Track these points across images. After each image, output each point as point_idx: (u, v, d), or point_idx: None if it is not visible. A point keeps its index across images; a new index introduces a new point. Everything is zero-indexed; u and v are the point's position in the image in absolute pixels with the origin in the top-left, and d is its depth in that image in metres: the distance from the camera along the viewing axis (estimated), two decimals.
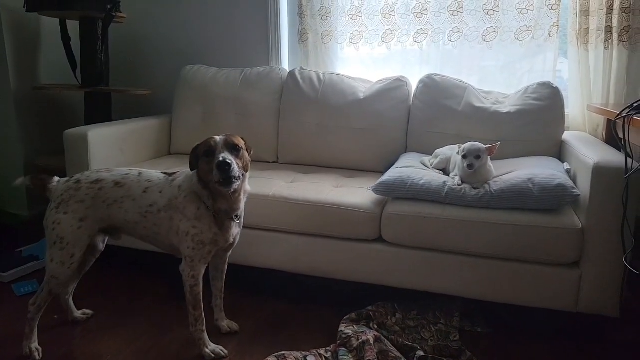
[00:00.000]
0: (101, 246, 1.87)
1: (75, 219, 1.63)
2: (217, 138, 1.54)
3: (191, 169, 1.61)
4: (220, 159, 1.45)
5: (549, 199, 1.76)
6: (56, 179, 1.71)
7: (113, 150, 2.40)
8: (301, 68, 2.67)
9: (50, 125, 2.94)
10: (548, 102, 2.25)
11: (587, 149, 1.89)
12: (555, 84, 2.31)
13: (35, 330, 1.71)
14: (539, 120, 2.24)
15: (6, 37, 2.70)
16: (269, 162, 2.62)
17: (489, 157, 1.91)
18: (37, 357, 1.68)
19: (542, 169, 1.92)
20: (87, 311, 1.97)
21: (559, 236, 1.73)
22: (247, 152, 1.60)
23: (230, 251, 1.80)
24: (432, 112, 2.40)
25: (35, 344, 1.70)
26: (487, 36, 2.53)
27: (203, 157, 1.53)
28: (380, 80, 2.55)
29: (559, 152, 2.24)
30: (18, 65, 2.80)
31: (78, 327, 1.90)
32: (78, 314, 1.94)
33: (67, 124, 2.56)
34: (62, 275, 1.65)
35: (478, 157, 1.87)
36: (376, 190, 1.95)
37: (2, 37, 2.68)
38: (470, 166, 1.86)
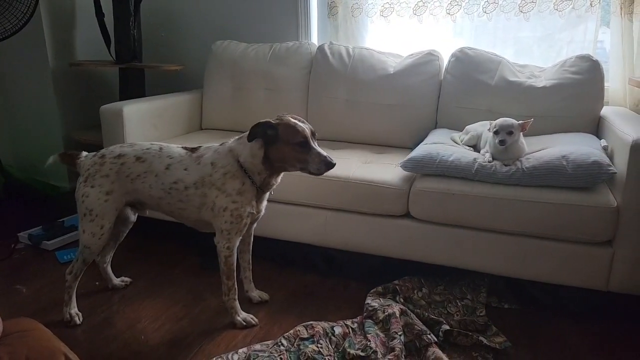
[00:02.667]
0: (132, 217, 1.94)
1: (102, 192, 1.68)
2: (306, 128, 1.59)
3: (249, 140, 1.60)
4: (329, 159, 1.59)
5: (584, 177, 1.72)
6: (84, 153, 1.77)
7: (147, 125, 2.47)
8: (330, 43, 2.64)
9: (88, 101, 3.04)
10: (587, 76, 2.17)
11: (626, 125, 1.82)
12: (596, 57, 2.21)
13: (74, 296, 1.80)
14: (576, 95, 2.16)
15: (43, 15, 2.78)
16: None
17: (521, 133, 1.86)
18: (77, 321, 1.78)
19: (578, 145, 1.86)
20: (126, 279, 2.07)
21: (593, 215, 1.70)
22: None
23: (256, 224, 1.85)
24: (463, 87, 2.35)
25: (75, 310, 1.80)
26: (524, 7, 2.43)
27: (292, 144, 1.57)
28: (410, 55, 2.50)
29: (597, 128, 2.17)
30: (55, 42, 2.88)
31: (117, 293, 2.00)
32: (117, 281, 2.04)
33: (103, 99, 2.64)
34: (93, 245, 1.72)
35: (510, 133, 1.83)
36: (404, 166, 1.95)
37: (40, 15, 2.76)
38: (502, 142, 1.83)
